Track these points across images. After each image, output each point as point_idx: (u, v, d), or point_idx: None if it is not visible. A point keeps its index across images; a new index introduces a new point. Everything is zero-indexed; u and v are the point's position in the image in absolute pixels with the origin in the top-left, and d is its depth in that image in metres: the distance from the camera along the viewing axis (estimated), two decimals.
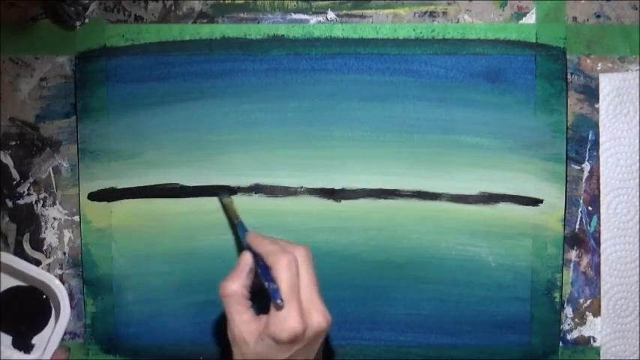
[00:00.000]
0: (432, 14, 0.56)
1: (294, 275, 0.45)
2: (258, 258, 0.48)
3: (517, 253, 0.56)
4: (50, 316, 0.57)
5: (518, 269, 0.56)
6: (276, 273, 0.45)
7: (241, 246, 0.52)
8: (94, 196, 0.56)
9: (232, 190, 0.56)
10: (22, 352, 0.56)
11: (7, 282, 0.56)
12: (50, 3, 0.55)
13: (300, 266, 0.46)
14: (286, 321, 0.44)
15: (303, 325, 0.44)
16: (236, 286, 0.47)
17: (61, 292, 0.55)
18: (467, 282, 0.56)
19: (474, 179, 0.56)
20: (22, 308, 0.56)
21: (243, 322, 0.46)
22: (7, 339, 0.56)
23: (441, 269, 0.56)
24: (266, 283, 0.46)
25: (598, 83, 0.56)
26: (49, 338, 0.55)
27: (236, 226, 0.53)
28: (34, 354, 0.56)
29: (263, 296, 0.46)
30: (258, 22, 0.56)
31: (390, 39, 0.56)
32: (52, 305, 0.57)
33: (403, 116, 0.56)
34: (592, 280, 0.57)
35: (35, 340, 0.56)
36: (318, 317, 0.45)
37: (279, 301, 0.44)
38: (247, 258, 0.48)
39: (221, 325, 0.56)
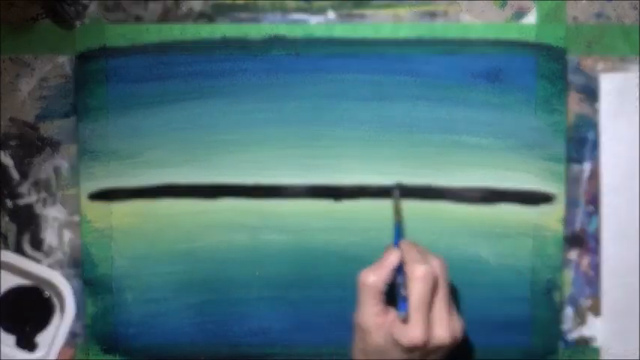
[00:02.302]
0: (432, 14, 0.56)
1: (428, 287, 0.47)
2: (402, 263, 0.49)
3: (517, 253, 0.56)
4: (53, 314, 0.57)
5: (518, 269, 0.56)
6: (409, 282, 0.47)
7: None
8: (94, 196, 0.56)
9: (403, 188, 0.56)
10: (26, 351, 0.56)
11: (9, 280, 0.56)
12: (50, 3, 0.55)
13: (439, 278, 0.48)
14: (409, 330, 0.46)
15: (425, 338, 0.46)
16: (375, 279, 0.48)
17: (65, 288, 0.55)
18: (467, 282, 0.56)
19: (474, 179, 0.56)
20: (25, 307, 0.56)
21: (371, 314, 0.48)
22: (10, 339, 0.56)
23: None
24: (398, 291, 0.48)
25: (598, 83, 0.56)
26: (54, 336, 0.55)
27: (395, 224, 0.54)
28: (38, 353, 0.56)
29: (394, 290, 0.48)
30: (258, 22, 0.56)
31: (390, 39, 0.56)
32: (54, 303, 0.57)
33: (403, 116, 0.56)
34: (592, 280, 0.56)
35: (39, 338, 0.56)
36: (442, 332, 0.47)
37: (402, 313, 0.46)
38: (393, 257, 0.49)
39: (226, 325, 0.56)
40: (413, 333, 0.46)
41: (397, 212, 0.54)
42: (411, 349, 0.46)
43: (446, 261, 0.56)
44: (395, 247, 0.51)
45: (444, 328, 0.47)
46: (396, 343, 0.46)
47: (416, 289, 0.47)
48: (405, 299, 0.47)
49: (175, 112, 0.56)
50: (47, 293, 0.56)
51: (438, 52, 0.56)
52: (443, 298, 0.48)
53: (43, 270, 0.55)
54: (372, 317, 0.48)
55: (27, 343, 0.56)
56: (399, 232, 0.53)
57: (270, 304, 0.57)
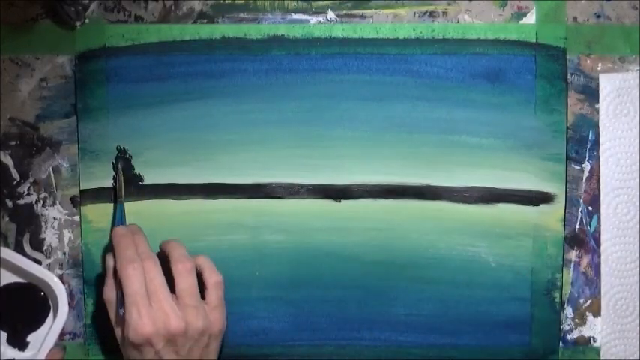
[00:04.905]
0: (432, 14, 0.56)
1: (140, 282, 0.48)
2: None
3: (517, 253, 0.56)
4: (48, 315, 0.56)
5: (518, 269, 0.56)
6: (122, 280, 0.49)
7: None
8: (94, 196, 0.56)
9: (126, 160, 0.56)
10: (16, 349, 0.56)
11: (6, 278, 0.56)
12: (50, 3, 0.55)
13: (149, 273, 0.49)
14: (134, 325, 0.48)
15: (152, 329, 0.47)
16: (111, 292, 0.51)
17: (59, 290, 0.55)
18: (467, 282, 0.56)
19: (474, 179, 0.56)
20: (20, 305, 0.56)
21: (118, 325, 0.51)
22: (1, 335, 0.56)
23: (441, 269, 0.56)
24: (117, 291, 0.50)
25: (598, 83, 0.56)
26: (45, 337, 0.55)
27: (116, 206, 0.54)
28: (28, 352, 0.56)
29: None
30: (258, 22, 0.56)
31: (390, 39, 0.56)
32: (50, 303, 0.57)
33: (403, 116, 0.56)
34: (592, 280, 0.57)
35: (30, 337, 0.56)
36: (166, 320, 0.48)
37: (120, 311, 0.49)
38: (109, 261, 0.52)
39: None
40: (137, 326, 0.47)
41: (120, 192, 0.54)
42: (144, 344, 0.47)
43: (443, 260, 0.57)
44: (118, 228, 0.52)
45: (168, 316, 0.48)
46: (131, 344, 0.48)
47: (127, 285, 0.48)
48: (121, 299, 0.49)
49: (175, 112, 0.56)
50: (43, 293, 0.56)
51: (438, 52, 0.56)
52: (156, 291, 0.48)
53: (38, 269, 0.55)
54: (119, 328, 0.50)
55: (18, 341, 0.56)
56: (122, 214, 0.53)
57: (270, 304, 0.57)
